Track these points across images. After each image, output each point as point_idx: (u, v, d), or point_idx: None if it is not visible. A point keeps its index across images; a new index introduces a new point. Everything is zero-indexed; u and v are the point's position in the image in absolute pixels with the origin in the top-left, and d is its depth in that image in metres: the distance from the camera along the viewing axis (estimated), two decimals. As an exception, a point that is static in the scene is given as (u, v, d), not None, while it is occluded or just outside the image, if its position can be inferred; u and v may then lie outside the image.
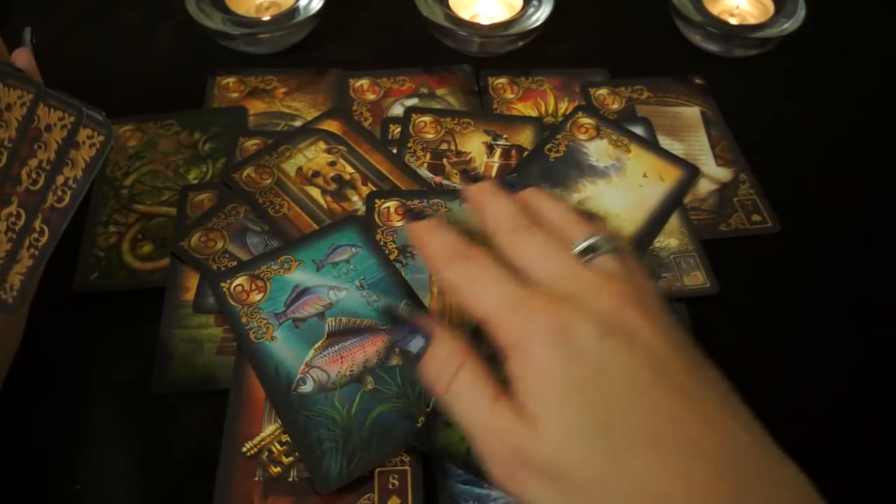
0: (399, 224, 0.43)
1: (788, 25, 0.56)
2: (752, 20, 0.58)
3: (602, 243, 0.31)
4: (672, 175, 0.47)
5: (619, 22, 0.60)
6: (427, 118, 0.50)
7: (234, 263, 0.42)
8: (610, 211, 0.45)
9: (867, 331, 0.42)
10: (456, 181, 0.47)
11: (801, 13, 0.56)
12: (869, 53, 0.58)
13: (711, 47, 0.57)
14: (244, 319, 0.39)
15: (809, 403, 0.39)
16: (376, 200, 0.44)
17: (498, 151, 0.48)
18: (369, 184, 0.46)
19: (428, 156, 0.48)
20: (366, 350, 0.38)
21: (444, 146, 0.48)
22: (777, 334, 0.42)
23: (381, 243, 0.42)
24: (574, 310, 0.27)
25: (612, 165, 0.47)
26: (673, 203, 0.46)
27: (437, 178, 0.47)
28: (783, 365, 0.41)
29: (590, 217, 0.35)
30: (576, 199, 0.46)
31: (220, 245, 0.42)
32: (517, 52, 0.56)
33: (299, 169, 0.46)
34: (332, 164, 0.46)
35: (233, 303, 0.39)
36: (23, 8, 0.58)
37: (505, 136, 0.49)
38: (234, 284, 0.40)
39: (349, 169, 0.46)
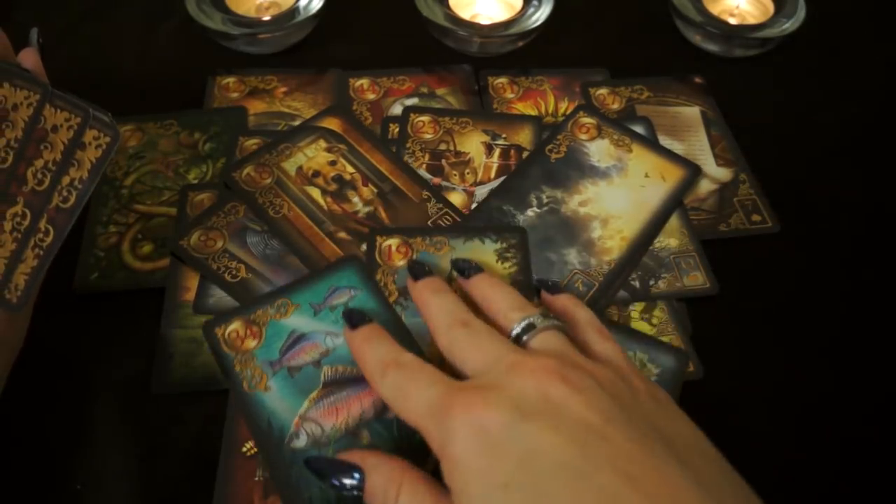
0: (401, 264, 0.41)
1: (788, 25, 0.56)
2: (752, 20, 0.58)
3: (538, 321, 0.31)
4: (674, 175, 0.47)
5: (619, 22, 0.60)
6: (425, 118, 0.50)
7: (235, 262, 0.42)
8: (611, 212, 0.45)
9: (867, 331, 0.42)
10: (455, 181, 0.47)
11: (801, 13, 0.56)
12: (869, 53, 0.58)
13: (711, 47, 0.57)
14: (238, 368, 0.37)
15: (809, 403, 0.39)
16: (378, 238, 0.43)
17: (497, 151, 0.48)
18: (370, 184, 0.45)
19: (427, 156, 0.48)
20: (362, 401, 0.36)
21: (442, 146, 0.48)
22: (777, 334, 0.42)
23: (382, 284, 0.41)
24: (489, 400, 0.26)
25: (614, 166, 0.47)
26: (674, 203, 0.46)
27: (436, 179, 0.47)
28: (783, 365, 0.41)
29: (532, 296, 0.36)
30: (577, 201, 0.45)
31: (219, 244, 0.42)
32: (517, 52, 0.56)
33: (299, 168, 0.46)
34: (333, 163, 0.46)
35: (227, 350, 0.37)
36: (23, 7, 0.58)
37: (504, 135, 0.49)
38: (228, 330, 0.38)
39: (349, 169, 0.46)
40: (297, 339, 0.38)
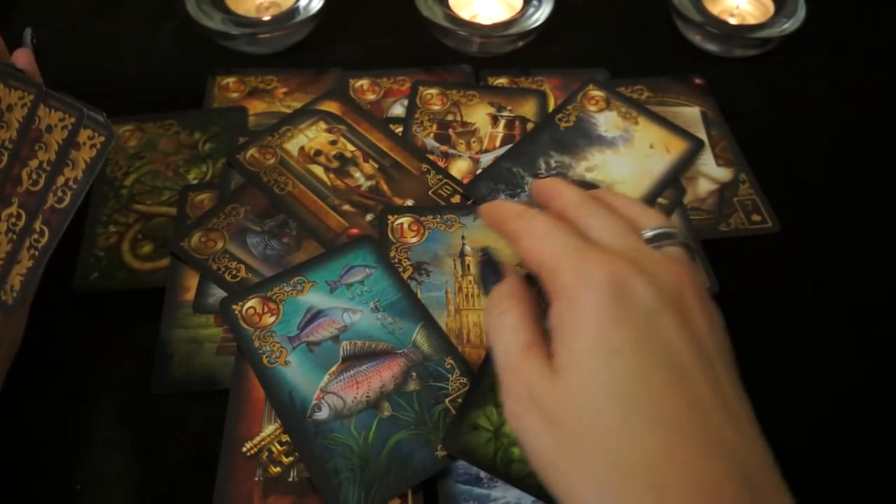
0: (413, 241, 0.42)
1: (788, 25, 0.56)
2: (752, 20, 0.58)
3: (676, 234, 0.30)
4: (677, 147, 0.49)
5: (619, 22, 0.60)
6: (433, 90, 0.52)
7: (235, 263, 0.42)
8: (616, 178, 0.46)
9: (867, 330, 0.42)
10: (462, 149, 0.48)
11: (801, 13, 0.56)
12: (869, 53, 0.58)
13: (711, 47, 0.57)
14: (257, 343, 0.38)
15: (809, 403, 0.39)
16: (389, 216, 0.44)
17: (502, 122, 0.50)
18: (371, 160, 0.47)
19: (434, 126, 0.49)
20: (382, 375, 0.37)
21: (449, 117, 0.50)
22: (777, 334, 0.42)
23: (396, 260, 0.42)
24: (637, 270, 0.26)
25: (620, 136, 0.49)
26: (676, 173, 0.47)
27: (444, 147, 0.48)
28: (783, 365, 0.41)
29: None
30: (584, 167, 0.47)
31: (220, 245, 0.42)
32: (517, 52, 0.56)
33: (301, 148, 0.47)
34: (334, 142, 0.47)
35: (245, 326, 0.38)
36: (24, 8, 0.58)
37: (509, 107, 0.51)
38: (245, 307, 0.39)
39: (350, 147, 0.47)
40: (315, 315, 0.39)
